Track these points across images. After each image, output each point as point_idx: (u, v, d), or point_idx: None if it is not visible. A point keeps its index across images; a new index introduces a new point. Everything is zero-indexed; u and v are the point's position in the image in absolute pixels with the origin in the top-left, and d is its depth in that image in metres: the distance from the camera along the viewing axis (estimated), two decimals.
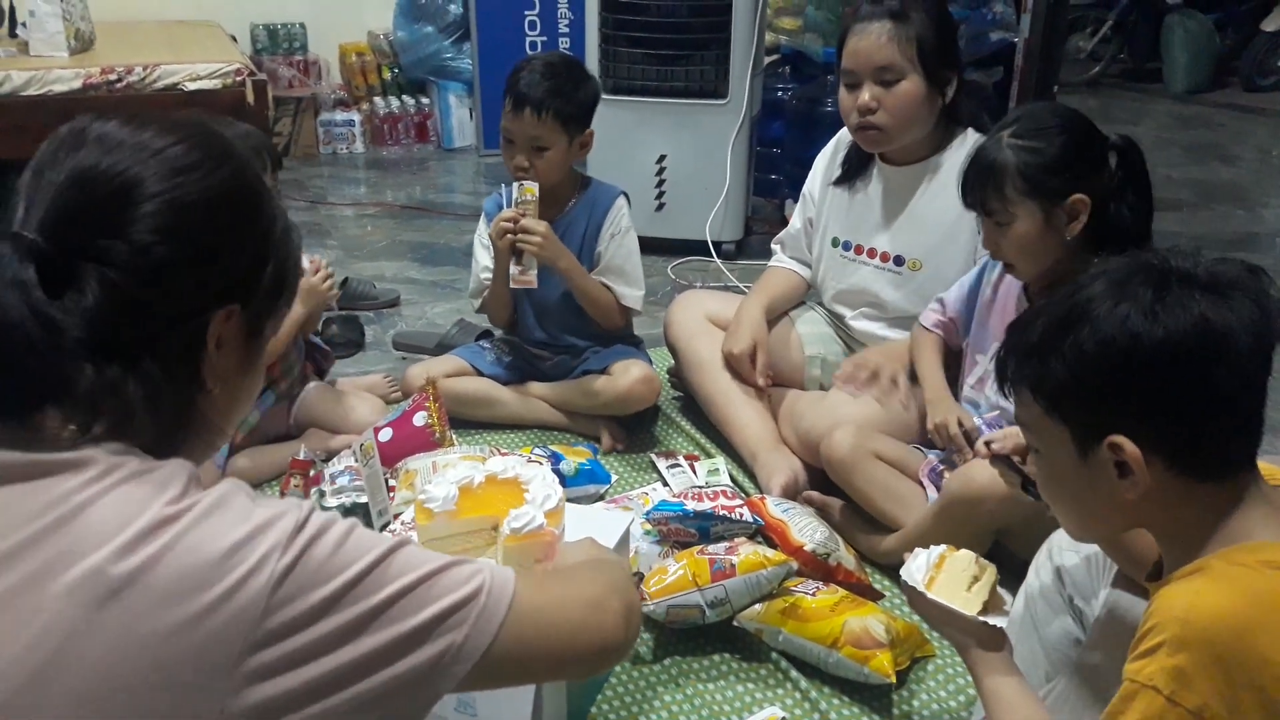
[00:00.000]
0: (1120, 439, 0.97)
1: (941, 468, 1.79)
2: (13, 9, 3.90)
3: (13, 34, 3.92)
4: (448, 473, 1.57)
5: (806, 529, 1.73)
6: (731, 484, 2.10)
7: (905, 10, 2.01)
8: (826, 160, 2.31)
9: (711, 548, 1.67)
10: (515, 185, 2.24)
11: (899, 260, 2.15)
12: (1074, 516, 1.10)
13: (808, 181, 2.36)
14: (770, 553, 1.64)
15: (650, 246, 3.54)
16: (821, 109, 3.99)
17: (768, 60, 4.39)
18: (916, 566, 1.29)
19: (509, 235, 2.19)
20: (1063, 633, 1.36)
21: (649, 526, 1.82)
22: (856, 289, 2.22)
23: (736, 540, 1.71)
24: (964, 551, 1.34)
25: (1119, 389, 0.97)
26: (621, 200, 2.35)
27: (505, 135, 2.25)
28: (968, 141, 2.06)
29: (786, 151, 3.91)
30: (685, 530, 1.79)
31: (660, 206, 3.58)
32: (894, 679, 1.58)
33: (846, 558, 1.75)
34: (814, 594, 1.64)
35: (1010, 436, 1.59)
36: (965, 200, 1.73)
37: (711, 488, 1.90)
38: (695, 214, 3.49)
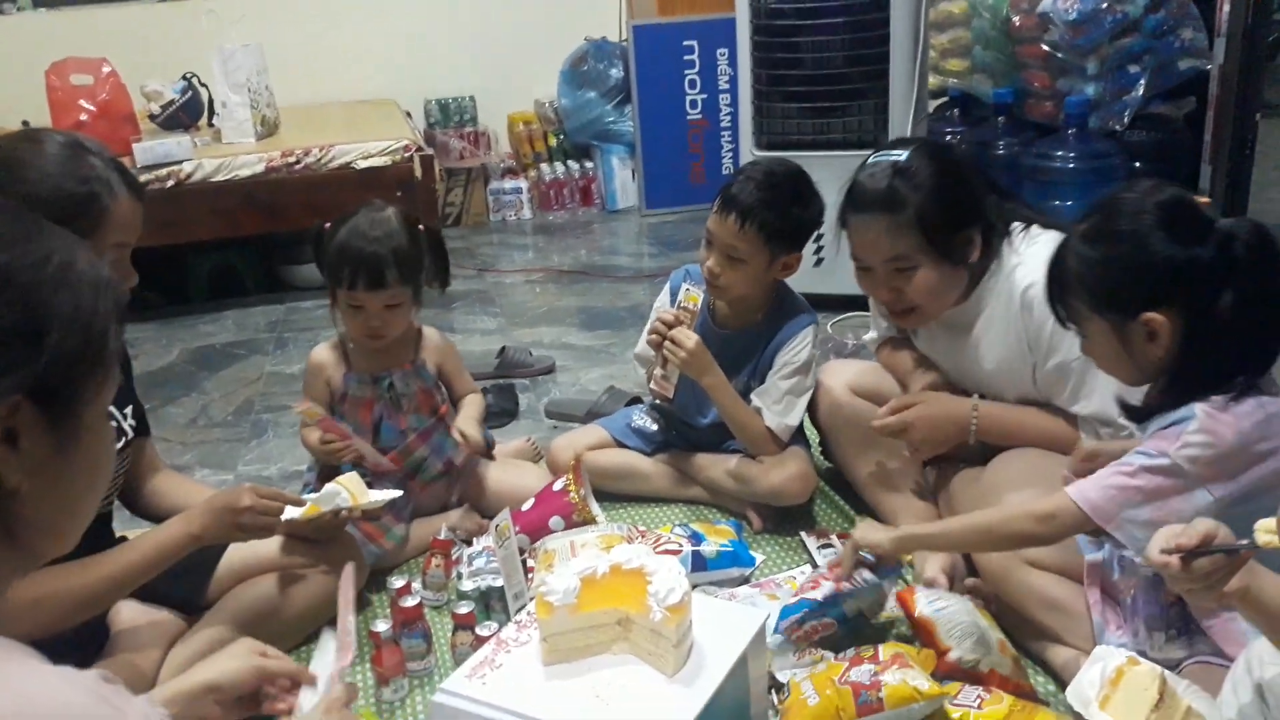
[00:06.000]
0: None
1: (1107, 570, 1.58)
2: (211, 100, 4.21)
3: (210, 123, 4.24)
4: (571, 562, 1.52)
5: (956, 631, 1.55)
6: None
7: (897, 195, 1.78)
8: None
9: (854, 672, 1.50)
10: (683, 288, 2.14)
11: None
12: None
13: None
14: (924, 684, 1.46)
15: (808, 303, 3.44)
16: (992, 151, 3.80)
17: (935, 104, 4.22)
18: (1089, 681, 1.13)
19: (658, 337, 2.10)
20: None
21: (781, 638, 1.65)
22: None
23: (881, 656, 1.53)
24: (1146, 666, 1.16)
25: None
26: (808, 333, 2.16)
27: (707, 234, 2.11)
28: (1007, 257, 1.84)
29: None
30: (822, 625, 1.65)
31: (819, 262, 3.45)
32: None
33: (1001, 661, 1.56)
34: (979, 705, 1.47)
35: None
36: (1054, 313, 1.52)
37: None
38: None
